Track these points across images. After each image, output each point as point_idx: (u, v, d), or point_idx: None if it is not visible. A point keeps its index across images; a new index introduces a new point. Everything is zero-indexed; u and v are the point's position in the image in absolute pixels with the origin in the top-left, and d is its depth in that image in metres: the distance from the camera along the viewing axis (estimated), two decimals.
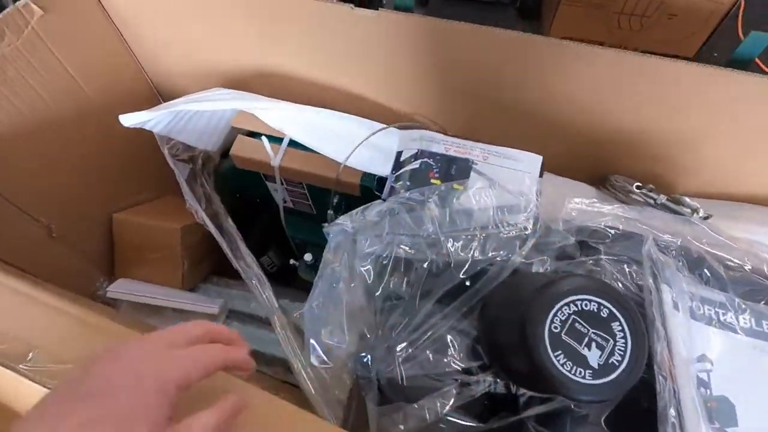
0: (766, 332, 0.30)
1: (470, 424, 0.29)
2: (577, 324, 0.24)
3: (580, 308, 0.24)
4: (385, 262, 0.34)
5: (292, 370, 0.49)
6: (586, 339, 0.23)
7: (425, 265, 0.34)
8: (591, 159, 0.62)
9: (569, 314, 0.24)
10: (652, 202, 0.51)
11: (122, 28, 0.64)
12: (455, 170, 0.37)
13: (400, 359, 0.30)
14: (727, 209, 0.57)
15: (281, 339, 0.55)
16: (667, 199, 0.51)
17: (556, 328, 0.23)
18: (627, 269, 0.33)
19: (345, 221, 0.39)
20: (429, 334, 0.31)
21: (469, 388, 0.30)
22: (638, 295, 0.33)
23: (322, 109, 0.60)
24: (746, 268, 0.33)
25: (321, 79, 0.62)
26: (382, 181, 0.40)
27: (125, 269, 0.74)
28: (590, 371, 0.23)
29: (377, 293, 0.33)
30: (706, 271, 0.33)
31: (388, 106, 0.62)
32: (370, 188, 0.62)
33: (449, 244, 0.33)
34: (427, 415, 0.30)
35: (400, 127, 0.60)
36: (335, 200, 0.65)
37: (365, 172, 0.62)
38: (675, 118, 0.53)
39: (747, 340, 0.29)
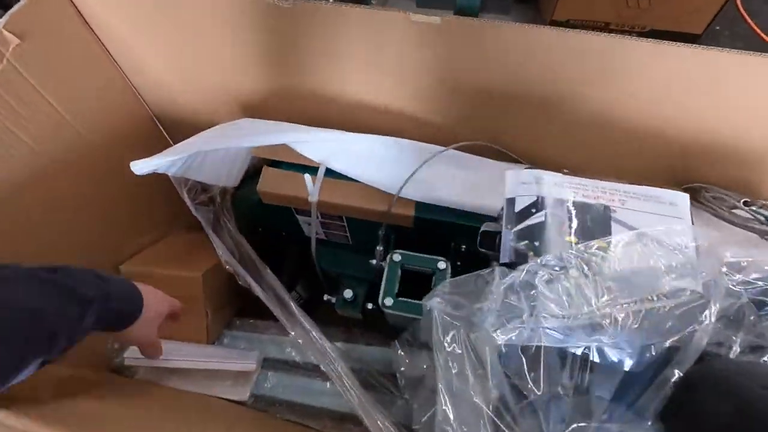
0: None
1: None
2: None
3: None
4: (532, 355, 0.27)
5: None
6: None
7: (585, 354, 0.27)
8: (665, 168, 0.55)
9: None
10: (763, 218, 0.45)
11: (115, 53, 0.53)
12: (591, 222, 0.30)
13: None
14: None
15: (353, 402, 0.47)
16: None
17: None
18: None
19: (449, 293, 0.31)
20: None
21: None
22: None
23: (366, 134, 0.52)
24: None
25: (362, 100, 0.54)
26: (489, 236, 0.33)
27: None
28: None
29: (530, 396, 0.26)
30: None
31: (443, 127, 0.54)
32: (426, 219, 0.55)
33: (610, 325, 0.26)
34: None
35: (458, 149, 0.53)
36: (383, 233, 0.57)
37: (419, 202, 0.54)
38: (755, 116, 0.47)
39: None
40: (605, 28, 1.40)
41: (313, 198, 0.54)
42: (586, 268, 0.28)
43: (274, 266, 0.67)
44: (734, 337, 0.27)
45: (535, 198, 0.31)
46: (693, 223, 0.31)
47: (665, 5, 1.28)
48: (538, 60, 0.45)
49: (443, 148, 0.50)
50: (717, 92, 0.45)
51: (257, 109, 0.59)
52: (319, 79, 0.54)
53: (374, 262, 0.58)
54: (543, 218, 0.30)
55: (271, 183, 0.56)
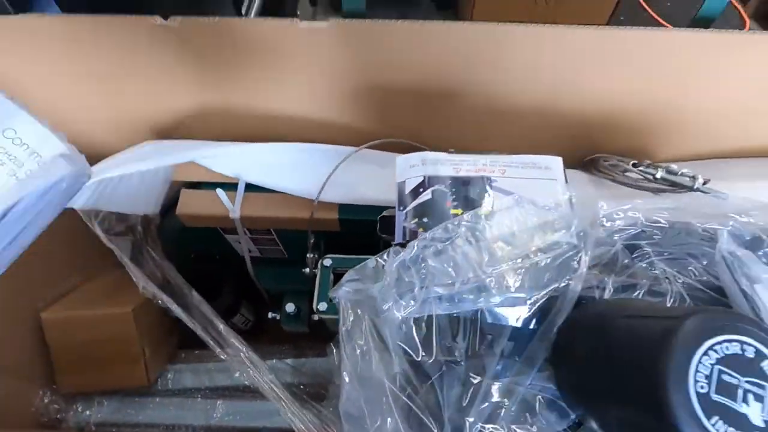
0: None
1: None
2: (724, 376, 0.19)
3: (721, 354, 0.19)
4: (425, 326, 0.27)
5: None
6: (740, 392, 0.19)
7: (474, 317, 0.28)
8: (568, 142, 0.59)
9: (712, 365, 0.19)
10: (651, 177, 0.49)
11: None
12: (474, 193, 0.31)
13: None
14: (711, 169, 0.57)
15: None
16: (667, 171, 0.49)
17: (702, 387, 0.18)
18: (689, 267, 0.30)
19: (354, 279, 0.32)
20: (503, 401, 0.26)
21: None
22: (708, 293, 0.29)
23: (278, 143, 0.52)
24: None
25: (271, 110, 0.54)
26: (387, 221, 0.34)
27: (69, 377, 0.61)
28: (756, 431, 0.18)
29: (427, 365, 0.27)
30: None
31: (353, 127, 0.55)
32: (350, 220, 0.55)
33: (495, 285, 0.27)
34: None
35: (372, 147, 0.54)
36: (312, 240, 0.57)
37: (342, 204, 0.55)
38: (648, 86, 0.51)
39: None
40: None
41: (235, 214, 0.53)
42: (470, 235, 0.30)
43: (213, 293, 0.66)
44: (607, 279, 0.29)
45: (421, 178, 0.33)
46: (567, 182, 0.33)
47: (569, 2, 1.39)
48: (435, 53, 0.47)
49: (356, 148, 0.52)
50: (613, 70, 0.49)
51: (169, 131, 0.58)
52: (224, 94, 0.54)
53: (307, 271, 0.58)
54: (429, 196, 0.32)
55: (189, 205, 0.55)
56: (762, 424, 0.18)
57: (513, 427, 0.25)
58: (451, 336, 0.28)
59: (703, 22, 0.49)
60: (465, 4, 1.50)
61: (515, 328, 0.28)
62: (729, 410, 0.18)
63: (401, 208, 0.33)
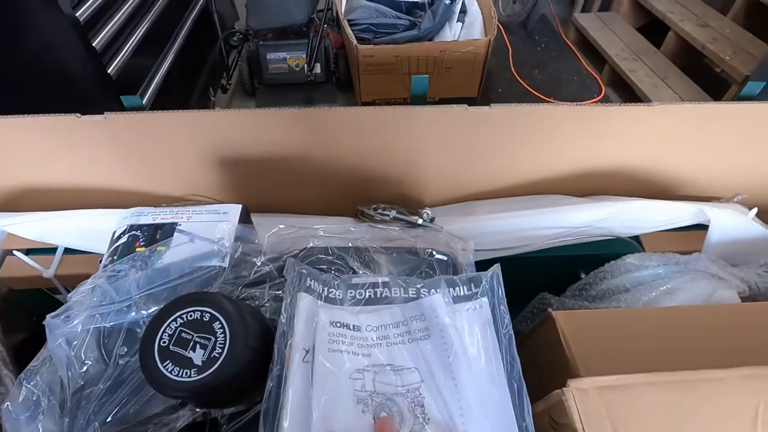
0: (412, 296, 0.38)
1: None
2: (183, 333, 0.28)
3: (186, 319, 0.28)
4: (88, 337, 0.36)
5: None
6: (191, 343, 0.28)
7: (130, 327, 0.37)
8: (354, 197, 0.71)
9: (176, 327, 0.28)
10: (387, 217, 0.60)
11: None
12: (160, 235, 0.41)
13: (98, 423, 0.32)
14: (465, 208, 0.70)
15: None
16: (397, 213, 0.61)
17: (164, 342, 0.27)
18: None
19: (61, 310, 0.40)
20: (126, 389, 0.33)
21: (168, 426, 0.32)
22: None
23: (89, 210, 0.62)
24: (406, 254, 0.42)
25: (87, 184, 0.65)
26: None
27: None
28: (195, 369, 0.27)
29: (82, 370, 0.35)
30: (372, 261, 0.41)
31: (158, 194, 0.66)
32: None
33: (143, 302, 0.36)
34: None
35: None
36: None
37: None
38: (398, 148, 0.65)
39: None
40: (404, 102, 1.71)
41: (49, 273, 0.61)
42: (142, 265, 0.39)
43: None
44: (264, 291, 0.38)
45: (126, 227, 0.43)
46: (248, 222, 0.44)
47: (440, 80, 1.63)
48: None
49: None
50: (371, 137, 0.62)
51: (13, 207, 0.68)
52: (54, 176, 0.64)
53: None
54: (126, 239, 0.41)
55: (10, 269, 0.62)
56: (200, 363, 0.27)
57: (133, 406, 0.33)
58: (109, 344, 0.36)
59: (418, 100, 0.64)
60: (356, 85, 1.72)
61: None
62: (179, 356, 0.27)
63: (107, 251, 0.42)
